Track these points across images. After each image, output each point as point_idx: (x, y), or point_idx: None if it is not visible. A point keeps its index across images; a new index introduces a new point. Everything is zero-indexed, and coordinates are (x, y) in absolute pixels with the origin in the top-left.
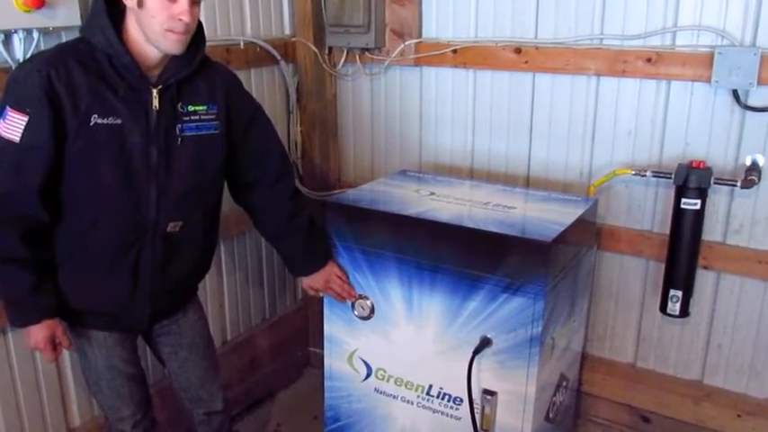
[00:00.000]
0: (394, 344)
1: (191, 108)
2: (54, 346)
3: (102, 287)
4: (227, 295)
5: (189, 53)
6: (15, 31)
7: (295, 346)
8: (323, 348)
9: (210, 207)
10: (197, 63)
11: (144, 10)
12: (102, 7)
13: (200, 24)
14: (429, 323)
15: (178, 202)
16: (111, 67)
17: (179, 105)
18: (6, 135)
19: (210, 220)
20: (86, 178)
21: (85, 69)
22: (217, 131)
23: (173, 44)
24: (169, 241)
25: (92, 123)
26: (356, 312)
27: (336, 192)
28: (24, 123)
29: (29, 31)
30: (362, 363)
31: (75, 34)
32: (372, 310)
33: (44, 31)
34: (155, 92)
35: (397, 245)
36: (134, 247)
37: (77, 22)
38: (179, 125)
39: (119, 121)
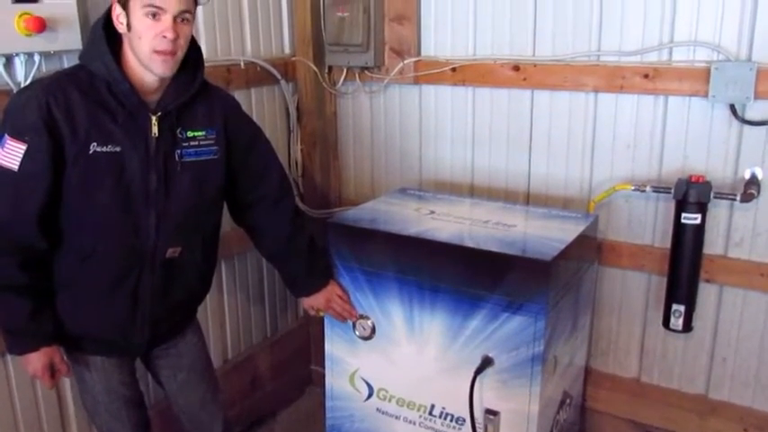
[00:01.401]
0: (395, 364)
1: (190, 134)
2: (52, 373)
3: (101, 313)
4: (227, 314)
5: (187, 78)
6: (17, 55)
7: (296, 365)
8: (324, 367)
9: (210, 231)
10: (195, 89)
11: (132, 33)
12: (100, 35)
13: (198, 49)
14: (430, 343)
15: (177, 228)
16: (111, 94)
17: (178, 131)
18: (5, 164)
19: (210, 245)
20: (85, 205)
21: (84, 97)
22: (216, 156)
23: (160, 65)
24: (169, 267)
25: (91, 151)
26: (357, 332)
27: (337, 210)
28: (23, 152)
29: (30, 55)
30: (364, 383)
31: (77, 57)
32: (373, 330)
33: (45, 55)
34: (154, 118)
35: (397, 265)
36: (133, 272)
37: (78, 45)
38: (178, 151)
39: (118, 149)
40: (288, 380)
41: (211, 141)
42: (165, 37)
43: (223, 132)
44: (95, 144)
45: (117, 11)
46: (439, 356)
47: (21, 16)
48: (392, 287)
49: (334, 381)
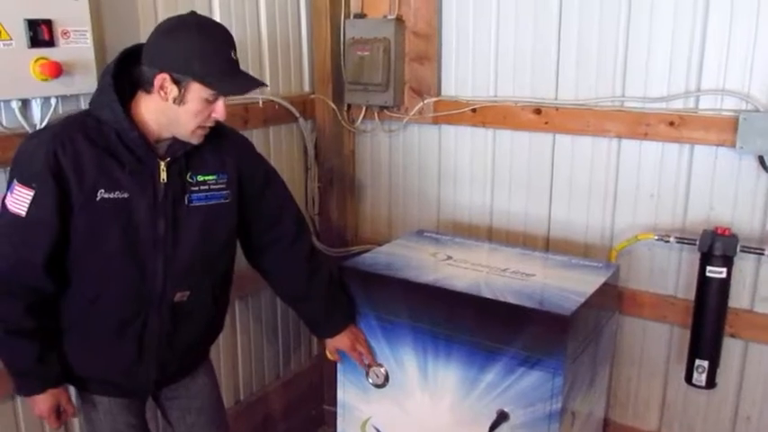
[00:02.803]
0: (408, 413)
1: (200, 178)
2: (59, 414)
3: (107, 356)
4: (240, 354)
5: None
6: (33, 98)
7: (309, 405)
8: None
9: (221, 274)
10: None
11: (182, 108)
12: (109, 83)
13: None
14: (444, 394)
15: (185, 273)
16: (119, 141)
17: (188, 176)
18: (13, 209)
19: (221, 288)
20: (92, 250)
21: (92, 144)
22: (227, 200)
23: (198, 138)
24: (176, 311)
25: (98, 198)
26: (370, 379)
27: (354, 249)
28: (30, 198)
29: (47, 98)
30: (376, 431)
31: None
32: (387, 378)
33: (62, 98)
34: (162, 164)
35: (412, 312)
36: (140, 316)
37: (95, 89)
38: (187, 195)
39: (125, 195)
40: (300, 420)
41: (222, 185)
42: (215, 118)
43: (235, 176)
44: (102, 191)
45: (167, 84)
46: (453, 408)
47: (36, 61)
48: (406, 335)
49: (346, 428)
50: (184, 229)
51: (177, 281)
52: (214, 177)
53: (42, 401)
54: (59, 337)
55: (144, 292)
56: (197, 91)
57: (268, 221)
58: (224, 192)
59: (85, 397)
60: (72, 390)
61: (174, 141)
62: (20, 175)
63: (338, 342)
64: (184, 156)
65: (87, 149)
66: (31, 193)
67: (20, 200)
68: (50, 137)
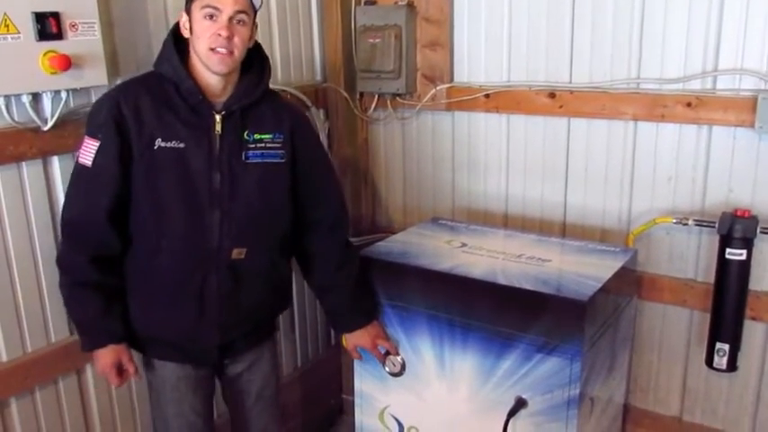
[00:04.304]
0: (426, 402)
1: (257, 136)
2: (120, 371)
3: (168, 314)
4: None
5: (253, 82)
6: (44, 92)
7: (328, 395)
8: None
9: (277, 238)
10: (260, 92)
11: (194, 35)
12: (170, 39)
13: (264, 56)
14: (462, 382)
15: (242, 229)
16: (177, 93)
17: (245, 133)
18: (81, 161)
19: (279, 253)
20: (150, 201)
21: (152, 96)
22: (282, 160)
23: (217, 63)
24: (235, 269)
25: (156, 146)
26: (387, 368)
27: (369, 237)
28: (96, 148)
29: (57, 92)
30: (394, 420)
31: (104, 92)
32: (403, 367)
33: (72, 91)
34: (218, 117)
35: (427, 301)
36: (198, 273)
37: (105, 81)
38: (244, 152)
39: (182, 145)
40: (320, 410)
41: (278, 145)
42: (219, 35)
43: (290, 140)
44: (160, 140)
45: (183, 18)
46: (471, 396)
47: (45, 54)
48: (422, 324)
49: (364, 418)
50: (241, 185)
51: (234, 237)
52: (270, 136)
53: (104, 356)
54: (123, 296)
55: (201, 246)
56: (196, 10)
57: (315, 197)
58: (279, 151)
59: (155, 373)
60: (138, 359)
61: (230, 97)
62: (89, 127)
63: (358, 339)
64: (241, 115)
65: (147, 101)
66: (97, 143)
67: (87, 151)
68: (116, 91)
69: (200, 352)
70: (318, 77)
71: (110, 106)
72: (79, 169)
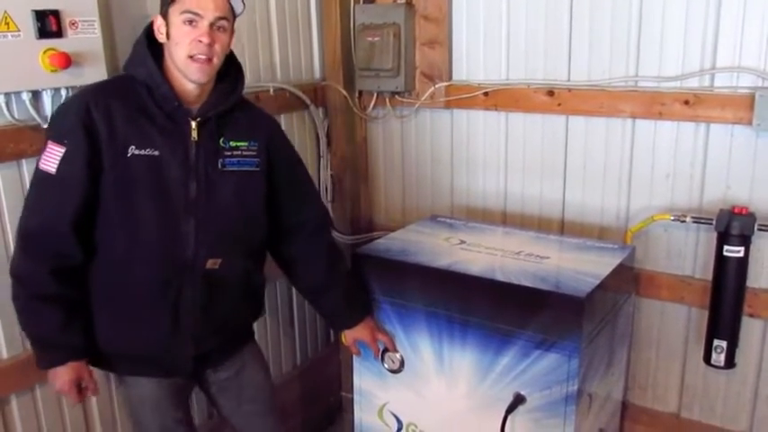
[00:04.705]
0: (425, 398)
1: (233, 143)
2: (79, 389)
3: (142, 327)
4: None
5: (228, 89)
6: (44, 90)
7: (327, 392)
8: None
9: (252, 247)
10: (236, 98)
11: (171, 40)
12: (143, 41)
13: (238, 64)
14: (460, 378)
15: (217, 238)
16: (151, 98)
17: (221, 141)
18: (43, 167)
19: (254, 262)
20: (122, 210)
21: (124, 101)
22: (258, 168)
23: (195, 71)
24: (209, 279)
25: (129, 154)
26: (386, 365)
27: (368, 236)
28: (61, 155)
29: (57, 90)
30: (393, 417)
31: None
32: (402, 364)
33: (72, 89)
34: (193, 124)
35: (426, 298)
36: (173, 284)
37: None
38: (220, 160)
39: (156, 153)
40: (319, 407)
41: (254, 153)
42: (200, 42)
43: (265, 148)
44: (134, 147)
45: (158, 22)
46: (469, 392)
47: (45, 52)
48: (421, 320)
49: (363, 415)
50: (217, 193)
51: (209, 246)
52: (246, 144)
53: (64, 373)
54: (89, 311)
55: (175, 256)
56: (174, 14)
57: (296, 201)
58: (255, 159)
59: (133, 394)
60: (113, 381)
61: (205, 103)
62: (53, 132)
63: (358, 333)
64: (217, 122)
65: (119, 106)
66: (63, 149)
67: (51, 157)
68: (83, 93)
69: (174, 364)
70: (317, 76)
71: (78, 110)
72: (41, 176)
